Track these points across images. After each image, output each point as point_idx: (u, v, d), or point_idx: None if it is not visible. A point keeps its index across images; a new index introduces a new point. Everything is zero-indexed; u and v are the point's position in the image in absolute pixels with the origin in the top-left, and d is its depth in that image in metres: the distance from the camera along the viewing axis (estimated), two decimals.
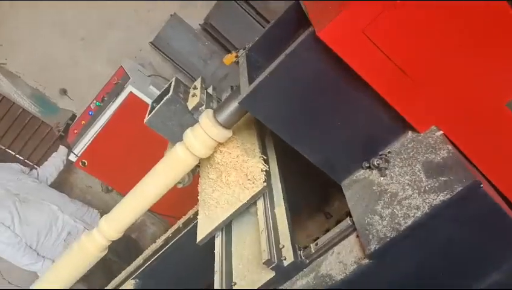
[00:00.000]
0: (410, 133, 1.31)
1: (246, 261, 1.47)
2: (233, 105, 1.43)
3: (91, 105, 3.49)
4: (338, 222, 2.50)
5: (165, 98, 1.75)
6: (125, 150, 3.41)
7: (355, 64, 1.17)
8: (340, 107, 1.29)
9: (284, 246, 1.34)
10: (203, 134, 1.45)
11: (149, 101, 3.34)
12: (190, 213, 2.13)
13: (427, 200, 1.11)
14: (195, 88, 1.84)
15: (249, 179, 1.50)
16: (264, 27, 3.15)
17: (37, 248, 3.13)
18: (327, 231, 2.57)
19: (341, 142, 1.36)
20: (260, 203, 1.48)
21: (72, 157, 3.47)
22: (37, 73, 3.92)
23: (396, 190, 1.21)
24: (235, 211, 1.51)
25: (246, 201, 1.48)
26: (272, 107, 1.27)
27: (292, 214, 1.47)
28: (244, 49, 1.59)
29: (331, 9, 1.14)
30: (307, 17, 1.26)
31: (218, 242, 1.60)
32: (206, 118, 1.45)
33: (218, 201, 1.57)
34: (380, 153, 1.35)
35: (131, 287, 2.18)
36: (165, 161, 1.56)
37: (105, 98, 3.41)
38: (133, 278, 2.21)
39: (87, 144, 3.40)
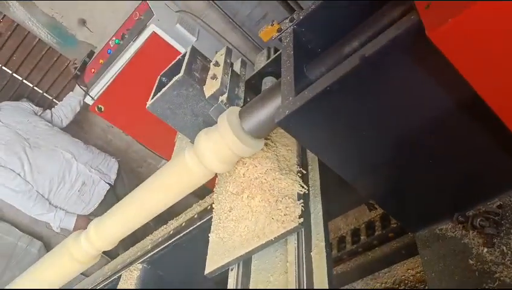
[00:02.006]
0: None
1: None
2: (269, 111, 0.98)
3: (110, 42, 3.05)
4: (383, 218, 2.08)
5: (174, 80, 1.29)
6: (146, 96, 3.01)
7: (478, 80, 0.69)
8: (436, 135, 0.83)
9: None
10: (223, 146, 1.02)
11: (174, 43, 2.89)
12: (208, 203, 1.79)
13: None
14: (216, 64, 1.35)
15: (279, 209, 1.09)
16: None
17: (49, 197, 2.90)
18: (369, 223, 2.15)
19: (428, 180, 0.91)
20: (291, 245, 1.08)
21: (88, 100, 3.12)
22: None
23: None
24: (258, 247, 1.13)
25: (272, 238, 1.10)
26: (332, 135, 0.82)
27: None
28: (291, 20, 1.07)
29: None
30: None
31: (232, 278, 1.23)
32: (227, 124, 1.01)
33: (236, 225, 1.18)
34: (482, 205, 0.89)
35: (138, 272, 1.92)
36: (170, 170, 1.16)
37: (126, 36, 2.96)
38: (140, 263, 1.93)
39: (105, 88, 3.03)
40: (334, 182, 1.64)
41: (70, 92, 3.30)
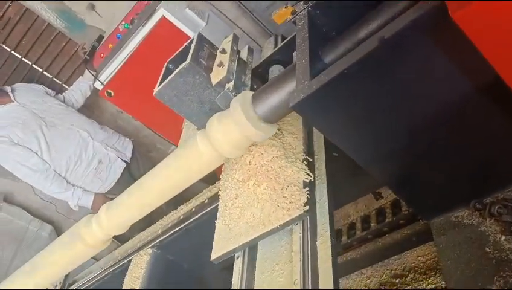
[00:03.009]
0: None
1: None
2: (282, 95, 0.96)
3: (119, 27, 3.03)
4: (394, 205, 2.06)
5: (180, 67, 1.27)
6: (155, 81, 3.00)
7: (502, 63, 0.67)
8: (455, 120, 0.81)
9: None
10: (235, 130, 1.01)
11: (184, 27, 2.86)
12: (218, 188, 1.78)
13: None
14: (223, 52, 1.33)
15: (284, 196, 1.08)
16: None
17: (66, 175, 2.91)
18: (379, 210, 2.14)
19: (444, 167, 0.89)
20: (297, 234, 1.07)
21: (98, 85, 3.11)
22: None
23: None
24: (263, 233, 1.13)
25: (278, 225, 1.10)
26: (347, 119, 0.80)
27: None
28: (305, 2, 1.04)
29: None
30: None
31: (238, 266, 1.23)
32: (240, 108, 0.99)
33: (242, 212, 1.18)
34: (500, 192, 0.87)
35: (148, 256, 1.93)
36: (182, 154, 1.15)
37: (135, 20, 2.94)
38: (150, 247, 1.94)
39: (114, 72, 3.02)
40: (341, 170, 1.63)
41: (80, 77, 3.30)
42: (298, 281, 0.99)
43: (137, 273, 1.87)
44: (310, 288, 0.95)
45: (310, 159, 1.16)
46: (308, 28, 0.96)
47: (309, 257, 1.03)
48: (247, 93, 1.06)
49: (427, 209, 0.95)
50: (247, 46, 1.48)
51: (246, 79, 1.32)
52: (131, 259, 1.98)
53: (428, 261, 1.96)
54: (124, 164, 3.07)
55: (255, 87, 1.31)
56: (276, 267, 1.13)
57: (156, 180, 1.23)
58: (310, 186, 1.11)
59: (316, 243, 1.06)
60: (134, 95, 3.09)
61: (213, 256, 1.23)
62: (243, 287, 1.14)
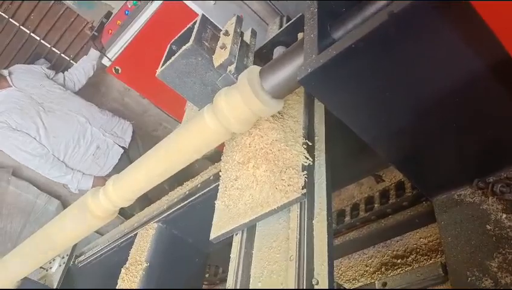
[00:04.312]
0: None
1: (268, 274, 1.12)
2: (290, 70, 0.96)
3: (127, 3, 3.02)
4: (397, 186, 2.08)
5: (183, 48, 1.28)
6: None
7: None
8: (462, 99, 0.81)
9: (318, 283, 0.97)
10: (241, 104, 1.02)
11: (192, 5, 2.83)
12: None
13: None
14: (226, 34, 1.33)
15: (283, 179, 1.10)
16: None
17: (64, 160, 2.94)
18: (383, 191, 2.15)
19: (449, 146, 0.89)
20: (294, 212, 1.10)
21: (106, 62, 3.11)
22: None
23: None
24: (261, 215, 1.15)
25: (275, 207, 1.12)
26: (355, 95, 0.81)
27: None
28: None
29: None
30: None
31: (236, 242, 1.25)
32: (247, 81, 1.00)
33: (241, 193, 1.20)
34: (504, 171, 0.88)
35: (154, 231, 1.96)
36: (189, 128, 1.16)
37: None
38: (156, 222, 1.98)
39: (122, 49, 3.01)
40: (342, 152, 1.64)
41: (85, 56, 3.30)
42: (293, 257, 1.02)
43: (143, 246, 1.90)
44: (304, 264, 0.98)
45: (310, 143, 1.17)
46: (318, 2, 0.96)
47: (305, 235, 1.05)
48: (255, 68, 1.06)
49: (431, 187, 0.96)
50: (250, 29, 1.48)
51: (249, 62, 1.32)
52: (137, 233, 2.02)
53: (430, 243, 1.98)
54: (122, 150, 3.09)
55: None
56: (274, 243, 1.16)
57: (163, 152, 1.24)
58: (309, 169, 1.12)
59: (313, 221, 1.08)
60: (141, 72, 3.08)
61: (212, 236, 1.26)
62: (241, 262, 1.17)
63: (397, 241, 2.14)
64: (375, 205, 2.10)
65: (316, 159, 1.17)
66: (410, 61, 0.75)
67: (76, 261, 2.31)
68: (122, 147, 3.09)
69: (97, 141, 2.99)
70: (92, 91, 3.63)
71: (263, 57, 1.51)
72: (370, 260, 2.19)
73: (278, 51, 1.49)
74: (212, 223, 1.29)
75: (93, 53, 3.17)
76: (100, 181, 2.99)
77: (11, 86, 2.87)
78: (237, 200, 1.24)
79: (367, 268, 2.19)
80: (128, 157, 3.12)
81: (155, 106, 3.61)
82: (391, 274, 2.06)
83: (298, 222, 1.08)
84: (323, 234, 1.05)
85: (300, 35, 1.48)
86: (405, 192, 2.00)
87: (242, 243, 1.22)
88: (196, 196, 1.84)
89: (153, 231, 1.95)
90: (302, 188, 1.07)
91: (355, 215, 2.18)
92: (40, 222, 3.70)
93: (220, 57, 1.26)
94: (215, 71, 1.28)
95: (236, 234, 1.26)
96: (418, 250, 2.04)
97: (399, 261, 2.08)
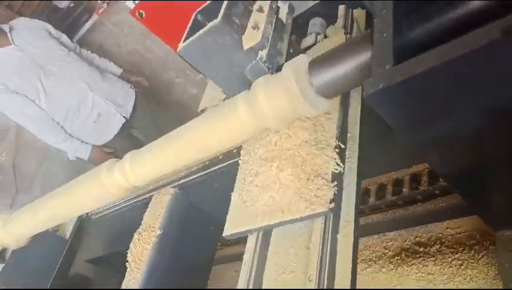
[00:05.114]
0: None
1: (282, 283, 1.03)
2: (347, 68, 0.80)
3: None
4: (430, 173, 1.95)
5: (209, 25, 1.11)
6: (187, 5, 2.79)
7: None
8: None
9: None
10: (282, 98, 0.87)
11: None
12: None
13: None
14: (260, 10, 1.15)
15: (310, 188, 0.98)
16: None
17: (64, 126, 2.84)
18: (414, 176, 2.03)
19: None
20: (317, 227, 0.99)
21: (130, 4, 2.92)
22: None
23: None
24: (280, 222, 1.05)
25: (297, 217, 1.01)
26: (429, 115, 0.65)
27: None
28: None
29: None
30: None
31: (251, 243, 1.16)
32: (293, 73, 0.84)
33: (260, 193, 1.10)
34: None
35: (169, 196, 1.89)
36: (219, 114, 1.03)
37: None
38: (172, 187, 1.90)
39: None
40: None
41: (111, 63, 3.12)
42: (313, 277, 0.94)
43: (157, 212, 1.85)
44: (325, 288, 0.88)
45: (343, 146, 1.04)
46: None
47: (328, 252, 0.96)
48: (304, 58, 0.90)
49: (494, 218, 0.82)
50: (287, 4, 1.29)
51: (283, 46, 1.16)
52: (152, 196, 1.95)
53: (458, 235, 1.86)
54: (123, 120, 2.97)
55: (291, 51, 1.15)
56: (291, 250, 1.07)
57: (187, 137, 1.12)
58: (339, 178, 1.00)
59: (338, 235, 0.98)
60: (165, 18, 2.90)
61: (226, 232, 1.18)
62: (254, 266, 1.08)
63: (421, 227, 2.02)
64: (404, 190, 1.97)
65: (346, 161, 1.04)
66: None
67: (90, 213, 2.29)
68: (124, 117, 2.96)
69: (98, 108, 2.87)
70: (114, 31, 3.47)
71: (297, 27, 1.33)
72: (390, 243, 2.10)
73: (315, 23, 1.31)
74: (227, 217, 1.21)
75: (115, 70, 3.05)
76: (98, 151, 2.93)
77: (11, 44, 2.68)
78: (256, 198, 1.14)
79: (386, 251, 2.09)
80: (130, 126, 3.01)
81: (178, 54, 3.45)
82: (412, 262, 1.97)
83: (321, 235, 0.98)
84: (347, 251, 0.95)
85: (341, 8, 1.30)
86: (439, 180, 1.86)
87: (257, 244, 1.15)
88: (217, 167, 1.74)
89: (169, 197, 1.89)
90: (330, 202, 0.96)
91: (381, 196, 2.06)
92: (55, 164, 3.69)
93: (250, 38, 1.11)
94: (245, 53, 1.13)
95: (251, 233, 1.18)
96: (444, 241, 1.93)
97: (421, 249, 1.98)
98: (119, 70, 3.13)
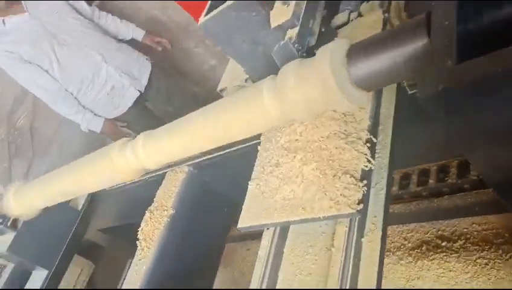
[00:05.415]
0: None
1: (299, 285, 0.96)
2: (394, 59, 0.69)
3: None
4: (460, 165, 1.86)
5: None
6: None
7: None
8: None
9: None
10: (314, 88, 0.76)
11: None
12: None
13: None
14: None
15: (336, 186, 0.88)
16: None
17: (77, 97, 2.76)
18: (442, 167, 1.94)
19: None
20: (341, 228, 0.91)
21: None
22: None
23: None
24: (301, 219, 0.97)
25: (321, 216, 0.93)
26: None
27: None
28: None
29: None
30: None
31: (267, 239, 1.09)
32: (329, 60, 0.73)
33: (280, 185, 1.02)
34: None
35: (184, 175, 1.83)
36: (241, 101, 0.93)
37: None
38: (187, 165, 1.84)
39: None
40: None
41: (131, 24, 2.97)
42: (334, 282, 0.85)
43: (170, 190, 1.80)
44: None
45: (375, 140, 0.93)
46: None
47: (351, 259, 0.88)
48: (343, 43, 0.78)
49: None
50: None
51: (315, 24, 1.02)
52: (166, 173, 1.90)
53: (484, 232, 1.76)
54: (138, 93, 2.85)
55: (322, 30, 1.03)
56: (310, 249, 0.99)
57: (205, 127, 1.03)
58: (368, 176, 0.91)
59: (362, 239, 0.90)
60: None
61: (241, 224, 1.11)
62: (269, 263, 1.01)
63: (444, 221, 1.92)
64: (430, 181, 1.85)
65: (376, 157, 0.94)
66: None
67: None
68: (139, 91, 2.87)
69: (112, 80, 2.76)
70: None
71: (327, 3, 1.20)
72: (410, 234, 2.00)
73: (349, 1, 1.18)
74: (243, 207, 1.13)
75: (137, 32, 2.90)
76: (110, 124, 2.86)
77: (26, 12, 2.56)
78: (275, 190, 1.05)
79: (405, 242, 2.00)
80: (144, 99, 2.92)
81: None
82: (433, 257, 1.88)
83: (345, 238, 0.89)
84: (373, 257, 0.86)
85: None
86: (469, 173, 1.74)
87: (274, 240, 1.07)
88: (234, 148, 1.67)
89: (183, 175, 1.83)
90: (358, 203, 0.87)
91: (404, 186, 1.95)
92: (70, 129, 3.65)
93: (279, 15, 0.99)
94: (272, 31, 1.01)
95: (268, 228, 1.10)
96: (469, 237, 1.82)
97: (444, 243, 1.88)
98: (142, 32, 3.03)
